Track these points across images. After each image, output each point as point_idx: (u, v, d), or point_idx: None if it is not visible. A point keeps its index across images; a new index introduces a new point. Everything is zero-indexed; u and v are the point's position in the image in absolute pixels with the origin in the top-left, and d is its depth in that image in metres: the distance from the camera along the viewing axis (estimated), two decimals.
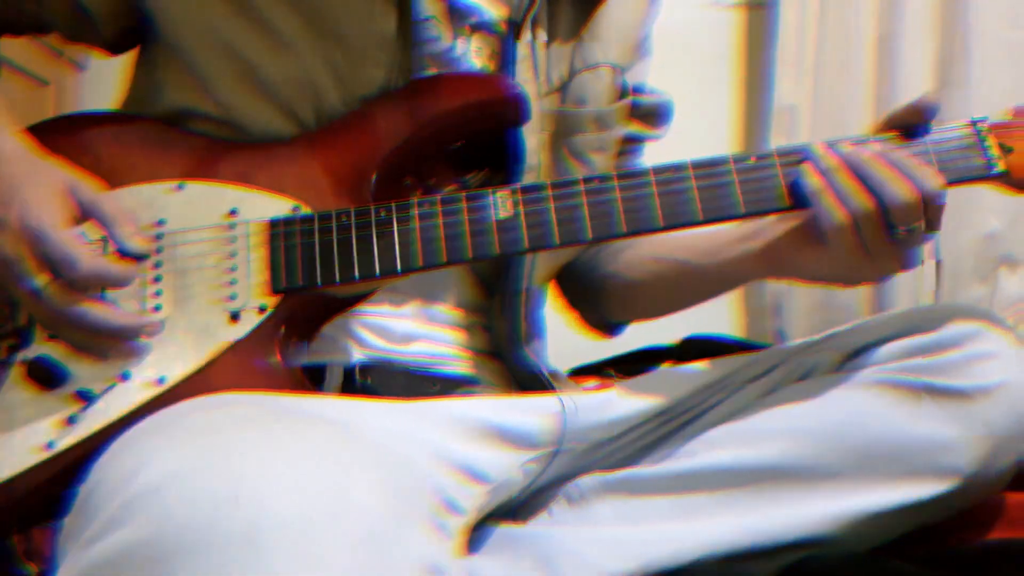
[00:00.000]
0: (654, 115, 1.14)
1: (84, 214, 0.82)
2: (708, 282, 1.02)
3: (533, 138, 0.96)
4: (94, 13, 0.95)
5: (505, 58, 0.96)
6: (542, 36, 0.97)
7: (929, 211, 0.83)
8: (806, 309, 2.10)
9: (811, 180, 0.84)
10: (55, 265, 0.78)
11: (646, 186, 0.85)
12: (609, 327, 1.18)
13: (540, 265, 0.99)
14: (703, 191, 0.85)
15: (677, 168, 0.86)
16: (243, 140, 0.92)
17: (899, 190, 0.82)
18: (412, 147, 0.90)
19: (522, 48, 0.95)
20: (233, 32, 0.91)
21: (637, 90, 1.11)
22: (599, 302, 1.14)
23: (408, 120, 0.90)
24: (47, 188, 0.81)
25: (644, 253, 1.09)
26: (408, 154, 0.91)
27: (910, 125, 0.87)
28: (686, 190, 0.85)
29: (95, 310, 0.79)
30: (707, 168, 0.86)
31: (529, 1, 0.95)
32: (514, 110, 0.93)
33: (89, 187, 0.84)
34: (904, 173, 0.82)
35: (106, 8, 0.95)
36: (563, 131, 0.99)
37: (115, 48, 1.01)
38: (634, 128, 1.12)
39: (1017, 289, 2.11)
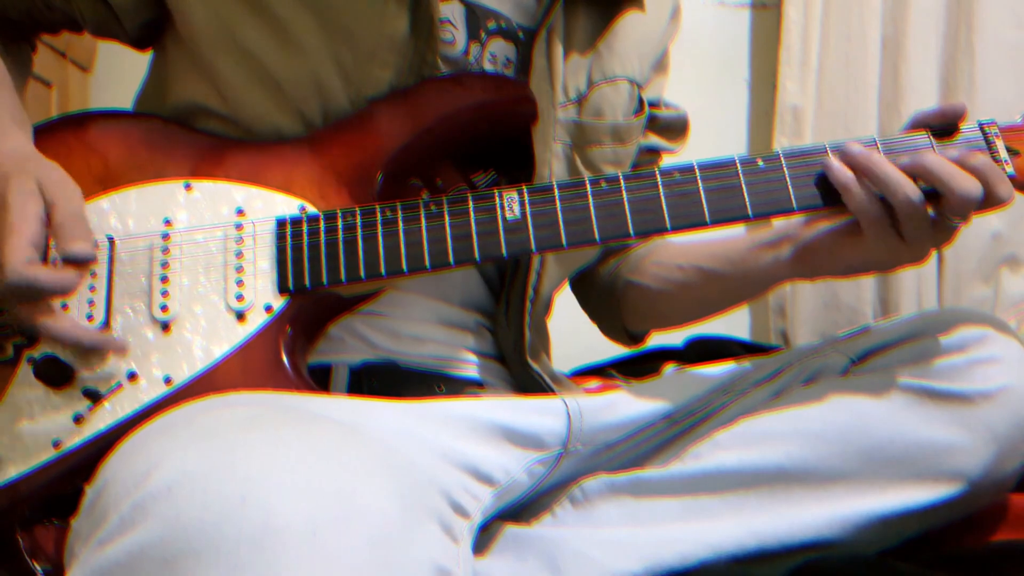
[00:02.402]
0: (672, 129, 1.14)
1: (50, 210, 0.80)
2: (735, 289, 1.02)
3: (547, 149, 0.96)
4: (116, 6, 0.95)
5: (521, 65, 0.96)
6: (559, 46, 0.96)
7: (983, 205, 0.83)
8: (811, 310, 2.10)
9: (840, 175, 0.83)
10: None
11: (653, 188, 0.85)
12: (630, 336, 1.18)
13: (546, 275, 0.98)
14: (710, 193, 0.85)
15: (684, 170, 0.86)
16: (250, 139, 0.92)
17: (967, 185, 0.81)
18: (418, 147, 0.90)
19: (539, 58, 0.95)
20: (244, 27, 0.91)
21: (654, 104, 1.11)
22: (620, 311, 1.15)
23: (414, 120, 0.90)
24: (28, 189, 0.80)
25: (666, 261, 1.09)
26: (414, 154, 0.91)
27: (937, 127, 0.87)
28: (693, 192, 0.85)
29: (46, 321, 0.78)
30: (714, 170, 0.85)
31: (545, 10, 0.95)
32: (522, 110, 0.93)
33: (56, 188, 0.81)
34: (963, 165, 0.82)
35: (127, 2, 0.95)
36: (579, 143, 0.99)
37: (139, 42, 1.02)
38: (652, 140, 1.11)
39: (1020, 290, 2.11)
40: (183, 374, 0.81)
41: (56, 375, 0.81)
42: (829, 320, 2.07)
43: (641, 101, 1.05)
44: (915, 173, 0.82)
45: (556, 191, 0.85)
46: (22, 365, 0.82)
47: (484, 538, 0.84)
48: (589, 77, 0.99)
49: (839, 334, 0.97)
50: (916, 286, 2.07)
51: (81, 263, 0.80)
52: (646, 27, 1.05)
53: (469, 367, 0.96)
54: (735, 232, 0.94)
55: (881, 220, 0.83)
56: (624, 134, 1.02)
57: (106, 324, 0.83)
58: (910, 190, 0.81)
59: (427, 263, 0.84)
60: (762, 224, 0.91)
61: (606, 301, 1.15)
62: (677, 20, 1.13)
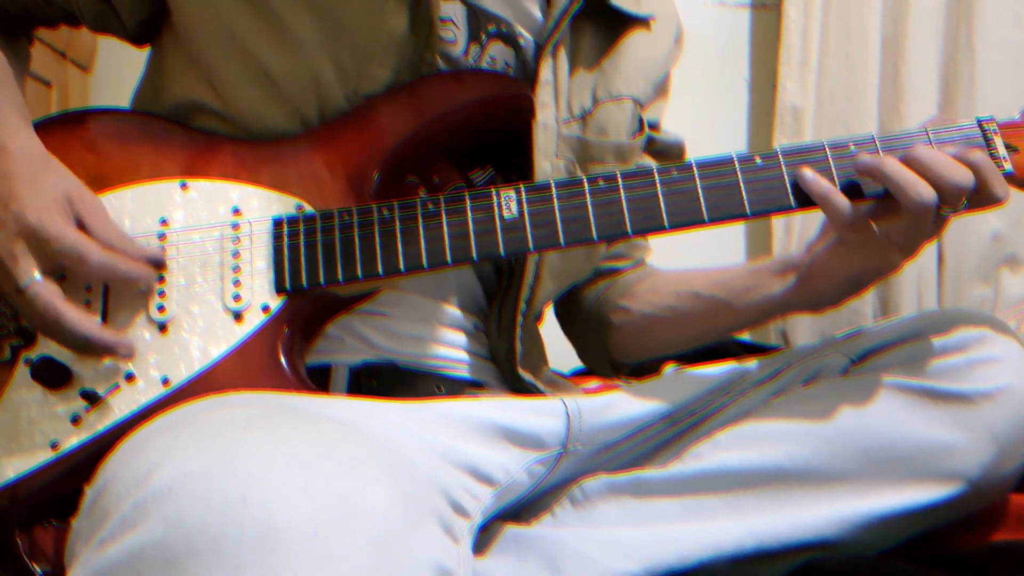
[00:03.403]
0: (668, 155, 1.14)
1: (81, 223, 0.81)
2: (733, 317, 1.01)
3: (548, 163, 0.95)
4: (114, 2, 0.95)
5: (520, 71, 0.96)
6: (565, 62, 0.96)
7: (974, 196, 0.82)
8: None
9: (815, 186, 0.83)
10: (63, 258, 0.78)
11: (651, 186, 0.85)
12: (613, 366, 1.15)
13: (541, 288, 0.97)
14: (708, 191, 0.85)
15: (682, 168, 0.86)
16: (247, 137, 0.91)
17: (957, 175, 0.81)
18: (416, 144, 0.90)
19: (544, 73, 0.95)
20: (241, 24, 0.90)
21: (653, 126, 1.10)
22: (607, 338, 1.12)
23: (411, 117, 0.90)
24: (47, 190, 0.80)
25: (660, 288, 1.09)
26: (412, 151, 0.90)
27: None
28: (691, 190, 0.85)
29: (72, 316, 0.78)
30: (712, 168, 0.85)
31: (553, 25, 0.95)
32: (519, 107, 0.93)
33: (89, 198, 0.83)
34: (960, 159, 0.82)
35: None
36: (582, 159, 0.98)
37: (138, 39, 1.01)
38: (647, 163, 1.11)
39: (1019, 290, 2.11)
40: (181, 375, 0.81)
41: (54, 376, 0.80)
42: (829, 320, 2.07)
43: (641, 121, 1.05)
44: (909, 165, 0.82)
45: (554, 190, 0.85)
46: (19, 366, 0.82)
47: (484, 538, 0.84)
48: (594, 95, 0.99)
49: (838, 334, 0.97)
50: (916, 286, 2.07)
51: (159, 266, 0.84)
52: (651, 48, 1.05)
53: (468, 368, 0.96)
54: (732, 263, 0.94)
55: (863, 224, 0.83)
56: (627, 154, 1.02)
57: (103, 325, 0.83)
58: (924, 190, 0.81)
59: (424, 262, 0.84)
60: (760, 220, 0.91)
61: (592, 326, 1.13)
62: (680, 44, 1.13)
